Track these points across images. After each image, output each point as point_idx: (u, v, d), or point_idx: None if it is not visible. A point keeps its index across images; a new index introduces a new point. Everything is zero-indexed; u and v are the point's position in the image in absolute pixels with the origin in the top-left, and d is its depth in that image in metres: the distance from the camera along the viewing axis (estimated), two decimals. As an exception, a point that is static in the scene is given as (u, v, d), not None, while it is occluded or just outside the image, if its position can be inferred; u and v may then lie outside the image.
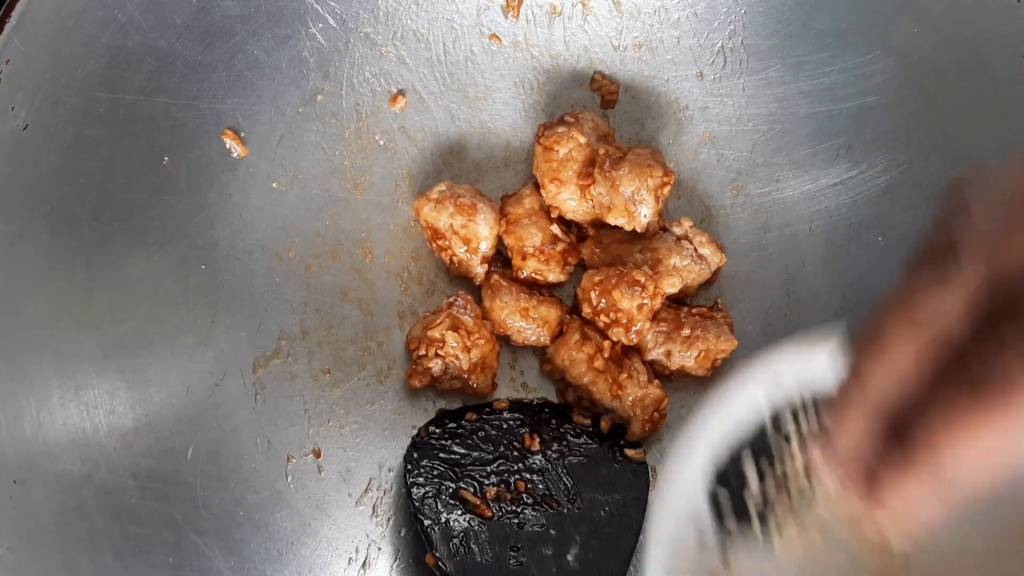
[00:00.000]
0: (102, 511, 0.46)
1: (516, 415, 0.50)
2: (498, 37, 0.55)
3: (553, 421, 0.50)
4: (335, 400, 0.51)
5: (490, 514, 0.47)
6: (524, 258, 0.52)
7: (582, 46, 0.56)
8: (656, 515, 0.36)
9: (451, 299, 0.52)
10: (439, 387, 0.52)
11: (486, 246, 0.52)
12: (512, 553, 0.47)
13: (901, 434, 0.27)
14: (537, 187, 0.53)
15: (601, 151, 0.51)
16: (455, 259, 0.52)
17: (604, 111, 0.56)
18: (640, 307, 0.49)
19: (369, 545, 0.50)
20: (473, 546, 0.47)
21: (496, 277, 0.53)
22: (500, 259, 0.54)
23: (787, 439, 0.36)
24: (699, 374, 0.51)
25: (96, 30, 0.47)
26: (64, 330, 0.47)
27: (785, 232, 0.54)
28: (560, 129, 0.52)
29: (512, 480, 0.48)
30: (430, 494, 0.48)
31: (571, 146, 0.51)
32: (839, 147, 0.53)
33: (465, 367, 0.50)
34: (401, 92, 0.55)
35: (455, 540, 0.47)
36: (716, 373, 0.52)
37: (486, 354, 0.51)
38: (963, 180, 0.29)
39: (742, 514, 0.36)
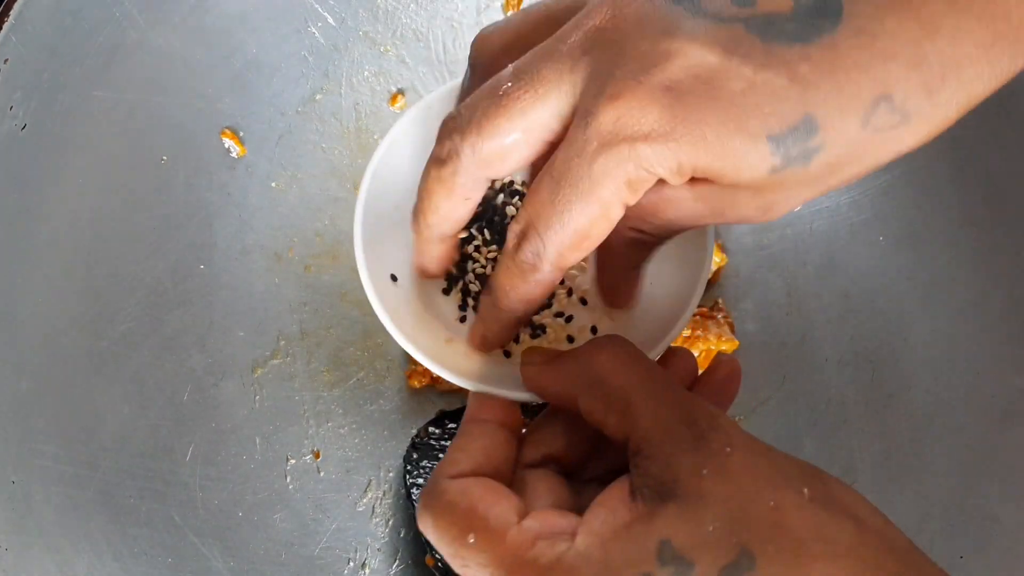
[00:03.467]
0: (101, 511, 0.46)
1: (516, 415, 0.50)
2: (498, 36, 0.55)
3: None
4: (334, 400, 0.51)
5: (490, 515, 0.47)
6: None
7: (582, 45, 0.56)
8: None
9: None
10: (439, 387, 0.51)
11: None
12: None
13: None
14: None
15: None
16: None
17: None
18: (640, 307, 0.49)
19: (368, 546, 0.50)
20: (473, 547, 0.46)
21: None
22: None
23: None
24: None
25: (94, 28, 0.47)
26: (62, 330, 0.46)
27: (786, 232, 0.54)
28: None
29: (512, 481, 0.48)
30: (430, 495, 0.48)
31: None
32: (840, 146, 0.53)
33: (465, 367, 0.50)
34: (400, 92, 0.54)
35: (455, 541, 0.47)
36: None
37: (486, 354, 0.51)
38: None
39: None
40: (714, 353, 0.51)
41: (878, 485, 0.49)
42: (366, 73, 0.54)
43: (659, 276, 0.38)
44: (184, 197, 0.50)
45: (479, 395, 0.34)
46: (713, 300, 0.53)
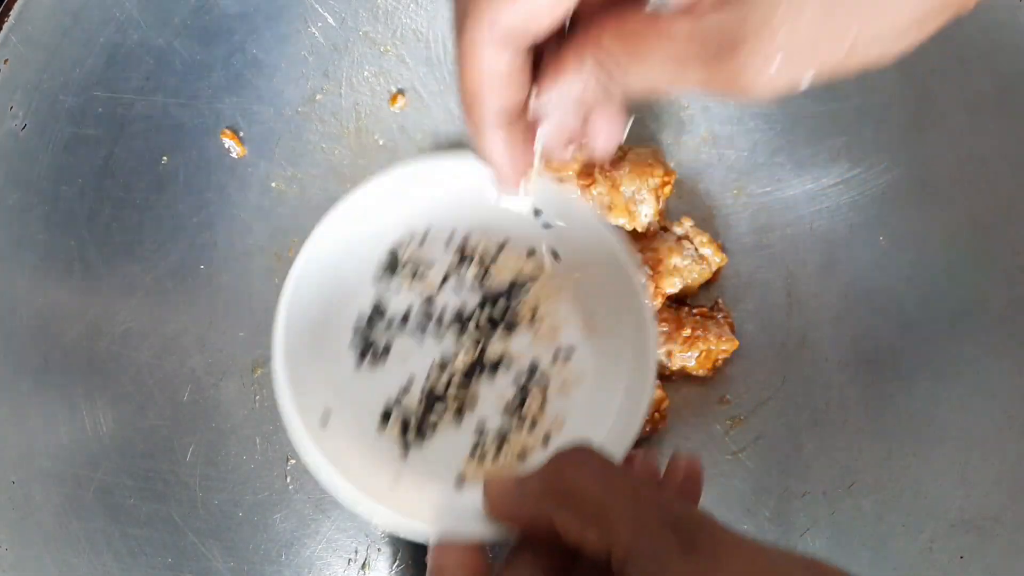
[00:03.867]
0: (101, 511, 0.46)
1: (516, 415, 0.50)
2: (498, 36, 0.55)
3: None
4: (334, 400, 0.51)
5: (490, 515, 0.47)
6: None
7: (582, 45, 0.55)
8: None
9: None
10: (439, 387, 0.51)
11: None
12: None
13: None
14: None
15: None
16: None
17: (604, 110, 0.56)
18: (640, 307, 0.49)
19: (369, 546, 0.50)
20: (473, 547, 0.46)
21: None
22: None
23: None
24: (700, 374, 0.51)
25: (94, 29, 0.47)
26: (62, 330, 0.46)
27: (786, 232, 0.54)
28: (560, 128, 0.52)
29: (512, 481, 0.48)
30: (430, 495, 0.48)
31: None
32: (840, 147, 0.53)
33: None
34: (401, 91, 0.54)
35: (455, 541, 0.46)
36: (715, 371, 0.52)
37: (486, 354, 0.51)
38: None
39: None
40: (715, 353, 0.51)
41: (878, 485, 0.49)
42: (366, 73, 0.54)
43: (606, 372, 0.37)
44: (184, 197, 0.50)
45: (439, 547, 0.32)
46: (713, 300, 0.53)
